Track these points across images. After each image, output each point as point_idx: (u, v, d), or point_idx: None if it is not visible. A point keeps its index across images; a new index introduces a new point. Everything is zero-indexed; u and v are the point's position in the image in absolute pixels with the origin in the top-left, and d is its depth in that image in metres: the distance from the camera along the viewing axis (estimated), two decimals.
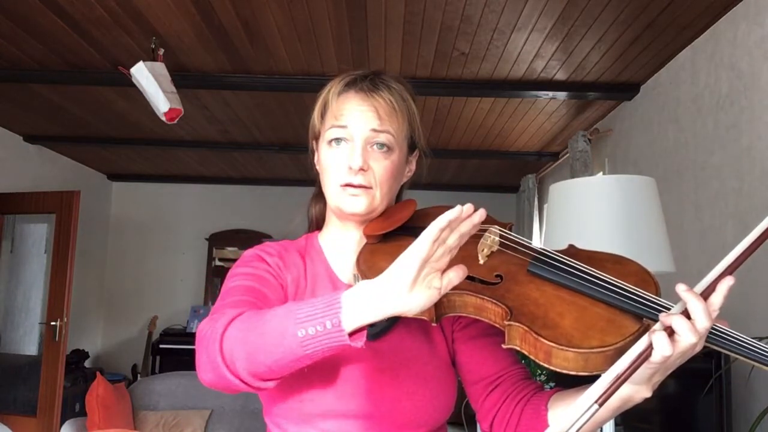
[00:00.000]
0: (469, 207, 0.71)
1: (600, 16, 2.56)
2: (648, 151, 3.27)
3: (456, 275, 0.73)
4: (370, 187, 0.96)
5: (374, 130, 0.96)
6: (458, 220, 0.70)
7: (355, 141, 0.96)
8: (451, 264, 0.74)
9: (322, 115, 1.01)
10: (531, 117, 3.98)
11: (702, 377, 1.90)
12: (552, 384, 2.79)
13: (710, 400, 1.92)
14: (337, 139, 0.97)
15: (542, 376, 3.11)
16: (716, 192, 2.57)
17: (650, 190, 1.68)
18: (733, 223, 2.43)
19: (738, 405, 2.16)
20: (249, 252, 1.02)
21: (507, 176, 5.77)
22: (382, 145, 0.97)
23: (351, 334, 0.72)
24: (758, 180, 2.28)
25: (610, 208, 1.64)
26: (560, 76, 3.25)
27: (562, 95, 3.46)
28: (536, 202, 5.25)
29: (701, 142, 2.70)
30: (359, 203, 0.96)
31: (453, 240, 0.71)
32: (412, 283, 0.70)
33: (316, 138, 1.04)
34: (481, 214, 0.72)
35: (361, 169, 0.95)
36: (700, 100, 2.72)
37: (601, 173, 3.86)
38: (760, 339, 0.75)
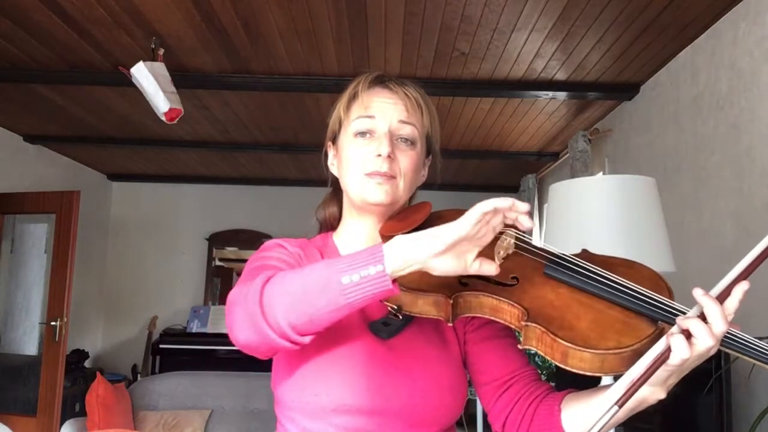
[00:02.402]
0: (523, 205, 0.74)
1: (600, 16, 2.56)
2: (648, 151, 3.27)
3: (491, 267, 0.77)
4: (395, 177, 0.99)
5: (401, 121, 1.00)
6: (501, 211, 0.74)
7: (382, 131, 0.99)
8: None
9: (348, 107, 1.03)
10: (531, 117, 3.98)
11: (702, 377, 1.90)
12: (552, 384, 2.79)
13: (710, 400, 1.92)
14: (363, 133, 1.00)
15: (542, 377, 3.11)
16: (716, 192, 2.57)
17: (650, 190, 1.68)
18: (733, 223, 2.43)
19: (738, 405, 2.16)
20: (270, 241, 1.04)
21: (507, 176, 5.77)
22: (406, 138, 1.01)
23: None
24: (758, 180, 2.28)
25: (610, 208, 1.64)
26: (560, 76, 3.25)
27: (562, 95, 3.46)
28: (536, 202, 5.25)
29: (701, 142, 2.70)
30: (384, 192, 0.98)
31: (497, 221, 0.75)
32: (444, 251, 0.74)
33: (335, 135, 1.06)
34: (526, 206, 0.75)
35: (389, 157, 0.97)
36: (700, 100, 2.72)
37: (601, 173, 3.86)
38: (761, 338, 0.75)
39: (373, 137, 0.99)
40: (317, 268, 0.78)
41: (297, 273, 0.80)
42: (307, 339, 0.80)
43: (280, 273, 0.82)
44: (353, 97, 1.03)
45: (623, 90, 3.39)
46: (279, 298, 0.78)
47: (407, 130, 1.00)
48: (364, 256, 0.76)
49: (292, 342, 0.80)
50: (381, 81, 1.03)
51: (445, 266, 0.75)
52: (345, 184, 1.03)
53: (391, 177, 0.98)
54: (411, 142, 1.01)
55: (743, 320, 0.79)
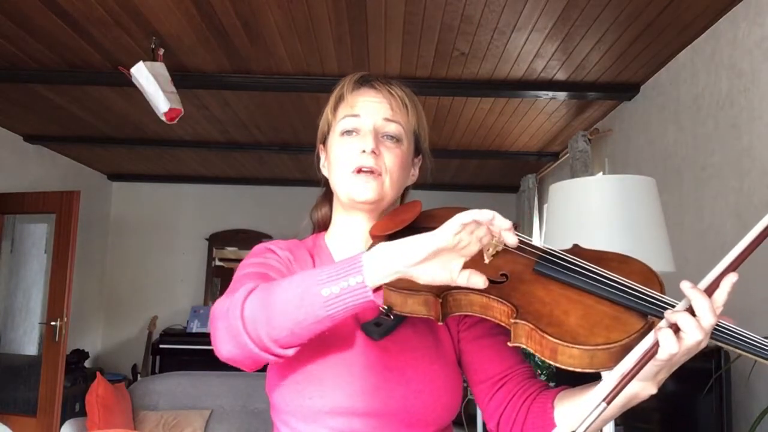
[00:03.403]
0: (504, 222, 0.73)
1: (600, 16, 2.56)
2: (648, 151, 3.27)
3: (479, 280, 0.75)
4: (380, 173, 0.99)
5: (386, 119, 1.01)
6: (482, 223, 0.72)
7: (367, 129, 1.00)
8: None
9: (335, 108, 1.05)
10: (531, 117, 3.98)
11: (702, 377, 1.90)
12: (553, 384, 2.79)
13: (710, 400, 1.92)
14: (349, 131, 1.01)
15: (542, 376, 3.11)
16: (716, 192, 2.57)
17: (650, 190, 1.68)
18: (733, 223, 2.44)
19: (738, 405, 2.16)
20: (260, 246, 1.05)
21: (507, 176, 5.77)
22: (391, 136, 1.02)
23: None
24: (758, 180, 2.28)
25: (610, 208, 1.64)
26: (560, 76, 3.25)
27: (562, 95, 3.46)
28: (536, 202, 5.25)
29: (701, 142, 2.70)
30: (370, 189, 0.99)
31: (481, 233, 0.74)
32: (423, 260, 0.73)
33: (325, 136, 1.08)
34: (508, 223, 0.74)
35: (373, 152, 0.98)
36: (700, 100, 2.72)
37: (601, 173, 3.86)
38: (765, 337, 0.75)
39: (358, 135, 1.01)
40: (296, 280, 0.78)
41: (278, 285, 0.79)
42: (290, 352, 0.80)
43: (261, 285, 0.82)
44: (339, 98, 1.05)
45: (623, 90, 3.39)
46: (260, 312, 0.78)
47: (392, 128, 1.02)
48: (343, 266, 0.76)
49: (276, 355, 0.80)
50: (366, 81, 1.05)
51: (428, 275, 0.74)
52: (333, 183, 1.04)
53: (377, 173, 0.99)
54: (396, 139, 1.02)
55: (747, 319, 0.78)
